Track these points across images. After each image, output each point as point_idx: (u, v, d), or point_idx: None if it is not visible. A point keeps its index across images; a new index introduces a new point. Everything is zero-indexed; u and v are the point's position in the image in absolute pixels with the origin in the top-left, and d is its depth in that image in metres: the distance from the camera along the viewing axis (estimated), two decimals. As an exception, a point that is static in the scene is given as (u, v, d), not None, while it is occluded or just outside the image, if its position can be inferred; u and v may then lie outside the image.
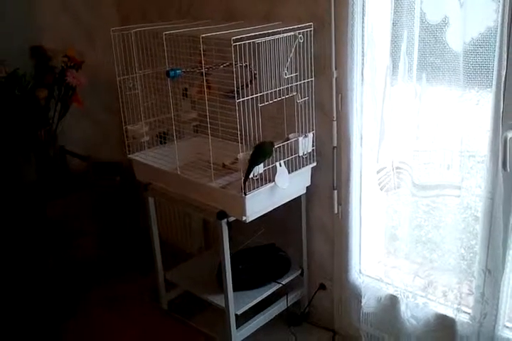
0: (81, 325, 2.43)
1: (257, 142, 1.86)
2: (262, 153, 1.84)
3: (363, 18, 1.84)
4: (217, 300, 2.13)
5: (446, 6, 1.60)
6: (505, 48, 1.49)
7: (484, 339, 1.81)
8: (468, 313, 1.86)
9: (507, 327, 1.82)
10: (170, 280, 2.41)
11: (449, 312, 1.89)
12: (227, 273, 2.01)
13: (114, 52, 2.05)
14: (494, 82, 1.55)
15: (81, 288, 2.60)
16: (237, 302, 2.08)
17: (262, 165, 1.85)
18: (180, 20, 2.25)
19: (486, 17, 1.54)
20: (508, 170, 1.62)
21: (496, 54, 1.51)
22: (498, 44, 1.50)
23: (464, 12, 1.54)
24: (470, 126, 1.68)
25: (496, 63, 1.52)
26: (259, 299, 2.17)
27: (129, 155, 2.25)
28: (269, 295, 2.21)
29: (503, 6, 1.46)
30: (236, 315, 2.08)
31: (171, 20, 2.23)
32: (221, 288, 2.07)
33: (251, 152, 1.83)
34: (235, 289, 2.06)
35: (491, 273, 1.75)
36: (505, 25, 1.47)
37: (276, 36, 1.83)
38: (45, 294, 2.45)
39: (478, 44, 1.58)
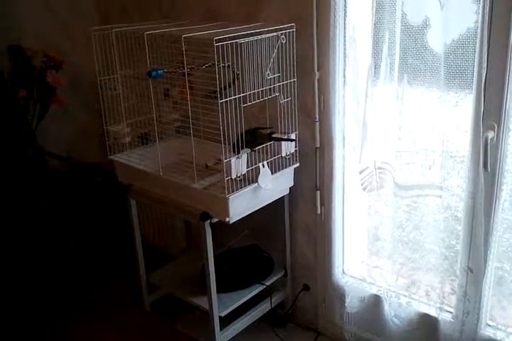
0: (63, 330, 2.39)
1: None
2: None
3: (344, 20, 1.84)
4: (201, 302, 2.12)
5: (427, 8, 1.61)
6: (485, 49, 1.50)
7: (467, 338, 1.83)
8: (451, 312, 1.88)
9: (489, 325, 1.84)
10: (153, 282, 2.39)
11: (432, 311, 1.91)
12: (210, 275, 2.00)
13: (95, 52, 2.02)
14: (475, 83, 1.56)
15: (62, 292, 2.56)
16: (220, 304, 2.07)
17: (244, 165, 1.84)
18: (162, 19, 2.23)
19: (467, 18, 1.55)
20: (489, 169, 1.64)
21: (477, 55, 1.53)
22: (478, 45, 1.51)
23: (445, 13, 1.56)
24: (450, 127, 1.70)
25: (476, 64, 1.54)
26: (242, 300, 2.16)
27: (110, 156, 2.22)
28: (252, 297, 2.21)
29: (484, 7, 1.47)
30: (220, 316, 2.07)
31: (152, 19, 2.21)
32: (204, 290, 2.06)
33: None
34: (218, 291, 2.04)
35: (473, 272, 1.77)
36: (486, 26, 1.48)
37: (259, 37, 1.83)
38: (25, 298, 2.41)
39: (458, 45, 1.59)
